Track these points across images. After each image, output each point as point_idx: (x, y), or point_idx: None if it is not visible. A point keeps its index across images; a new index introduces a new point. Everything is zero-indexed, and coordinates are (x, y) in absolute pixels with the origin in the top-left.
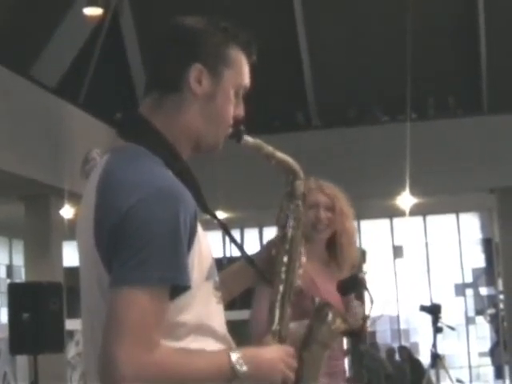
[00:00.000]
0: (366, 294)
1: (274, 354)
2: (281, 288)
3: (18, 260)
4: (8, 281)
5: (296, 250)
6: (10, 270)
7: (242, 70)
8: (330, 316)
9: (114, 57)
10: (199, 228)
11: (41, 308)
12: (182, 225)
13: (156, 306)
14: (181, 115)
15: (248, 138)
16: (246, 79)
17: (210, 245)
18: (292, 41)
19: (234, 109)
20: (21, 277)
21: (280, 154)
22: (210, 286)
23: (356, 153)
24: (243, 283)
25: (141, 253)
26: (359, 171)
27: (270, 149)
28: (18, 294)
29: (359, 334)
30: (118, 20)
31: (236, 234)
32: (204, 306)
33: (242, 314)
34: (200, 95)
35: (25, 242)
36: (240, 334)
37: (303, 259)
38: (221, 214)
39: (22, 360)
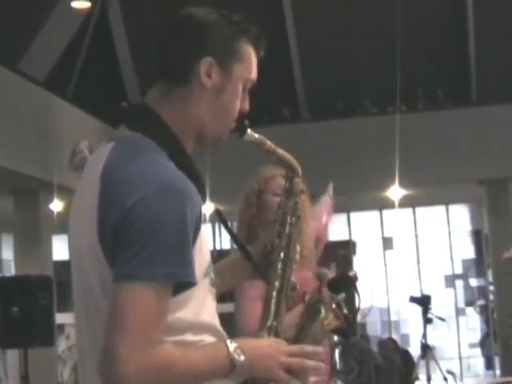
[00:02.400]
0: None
1: (272, 346)
2: (277, 284)
3: (8, 254)
4: None
5: (293, 247)
6: None
7: (251, 65)
8: (323, 312)
9: (102, 50)
10: (202, 225)
11: (31, 302)
12: (188, 221)
13: (160, 303)
14: (188, 108)
15: (251, 133)
16: (254, 73)
17: (207, 241)
18: (281, 34)
19: (240, 103)
20: (10, 271)
21: (281, 151)
22: (207, 282)
23: (345, 145)
24: (238, 277)
25: (146, 249)
26: (349, 164)
27: (271, 145)
28: (7, 288)
29: (350, 328)
30: (106, 13)
31: None
32: (201, 303)
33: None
34: (209, 89)
35: (14, 236)
36: (231, 327)
37: (297, 256)
38: (210, 207)
39: (13, 354)
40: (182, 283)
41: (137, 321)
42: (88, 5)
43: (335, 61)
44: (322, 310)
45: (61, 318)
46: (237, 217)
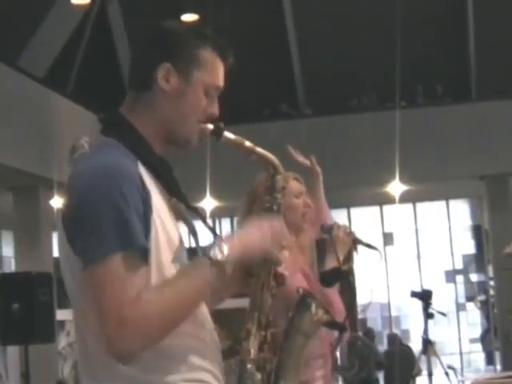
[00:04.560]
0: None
1: (255, 231)
2: (261, 277)
3: (8, 251)
4: None
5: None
6: None
7: (214, 72)
8: (313, 306)
9: (102, 46)
10: (159, 204)
11: (31, 298)
12: (127, 195)
13: (127, 272)
14: (153, 112)
15: (229, 135)
16: (218, 80)
17: (177, 231)
18: (280, 29)
19: (208, 107)
20: (11, 268)
21: (260, 150)
22: (178, 267)
23: (345, 141)
24: (232, 288)
25: (93, 232)
26: (349, 159)
27: (250, 145)
28: (8, 285)
29: (343, 325)
30: (106, 9)
31: (226, 222)
32: None
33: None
34: (169, 93)
35: (14, 233)
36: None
37: (285, 253)
38: (211, 203)
39: (13, 351)
40: (139, 248)
41: (115, 294)
42: (87, 1)
43: (335, 57)
44: (313, 305)
45: (61, 314)
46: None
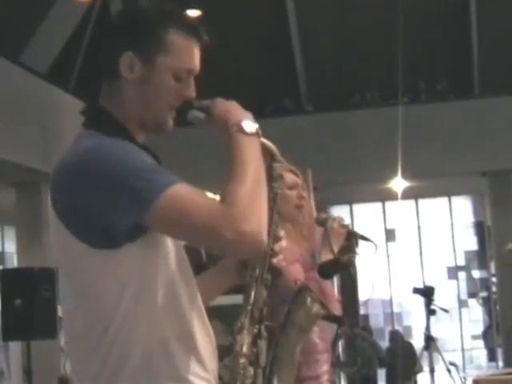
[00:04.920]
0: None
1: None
2: (256, 269)
3: (10, 247)
4: (0, 267)
5: (272, 232)
6: (2, 256)
7: (184, 55)
8: (309, 300)
9: None
10: None
11: (33, 294)
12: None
13: (192, 190)
14: (123, 100)
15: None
16: (190, 63)
17: None
18: (282, 26)
19: (182, 91)
20: (13, 263)
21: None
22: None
23: (348, 137)
24: (228, 280)
25: (139, 180)
26: (351, 156)
27: None
28: (10, 280)
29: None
30: (108, 5)
31: None
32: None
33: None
34: (133, 81)
35: (16, 229)
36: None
37: (283, 243)
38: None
39: (15, 346)
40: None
41: (199, 207)
42: None
43: (337, 53)
44: (308, 299)
45: None
46: None
